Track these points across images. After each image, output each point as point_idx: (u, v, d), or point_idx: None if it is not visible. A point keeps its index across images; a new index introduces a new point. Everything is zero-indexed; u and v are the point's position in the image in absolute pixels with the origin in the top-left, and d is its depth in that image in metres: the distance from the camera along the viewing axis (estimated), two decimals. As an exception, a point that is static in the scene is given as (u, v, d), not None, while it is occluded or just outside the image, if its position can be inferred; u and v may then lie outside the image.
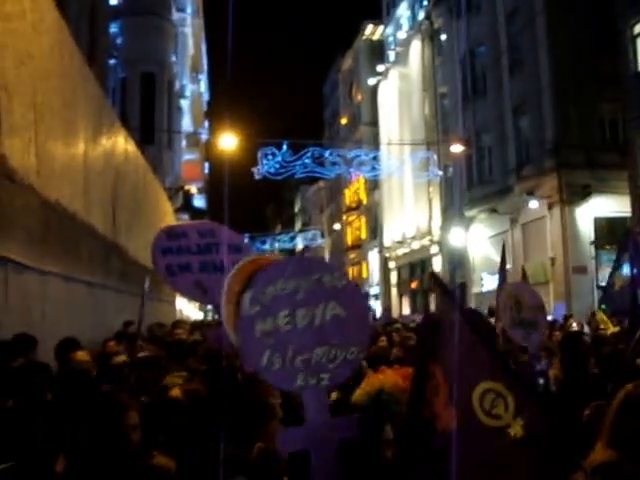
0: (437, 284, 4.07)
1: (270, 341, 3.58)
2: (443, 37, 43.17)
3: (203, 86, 52.45)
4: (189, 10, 39.46)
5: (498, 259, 36.14)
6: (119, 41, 29.54)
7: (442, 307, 3.90)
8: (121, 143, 16.73)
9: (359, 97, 67.58)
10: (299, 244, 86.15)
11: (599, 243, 29.14)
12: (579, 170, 29.24)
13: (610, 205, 28.51)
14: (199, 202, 43.70)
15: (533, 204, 31.01)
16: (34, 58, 8.96)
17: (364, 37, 66.15)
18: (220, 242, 6.16)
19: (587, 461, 3.54)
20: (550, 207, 30.31)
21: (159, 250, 6.06)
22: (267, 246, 79.61)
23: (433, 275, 4.49)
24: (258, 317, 3.58)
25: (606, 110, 29.94)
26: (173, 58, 32.44)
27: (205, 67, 56.09)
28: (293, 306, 3.65)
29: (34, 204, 9.02)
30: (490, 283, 36.29)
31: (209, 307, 77.07)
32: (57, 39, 10.56)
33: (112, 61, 27.80)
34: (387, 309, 53.12)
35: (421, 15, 48.50)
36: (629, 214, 26.18)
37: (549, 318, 19.11)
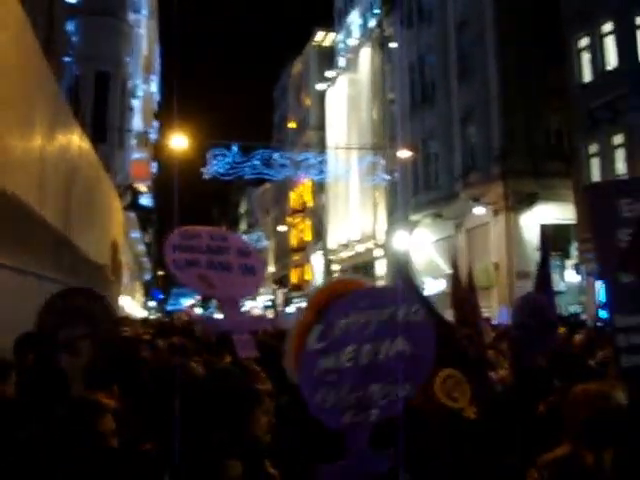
0: (409, 283, 4.29)
1: (329, 378, 3.50)
2: (393, 45, 43.56)
3: (154, 86, 52.24)
4: (144, 12, 39.38)
5: (442, 264, 36.70)
6: (75, 39, 29.41)
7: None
8: (75, 140, 16.70)
9: (308, 102, 67.84)
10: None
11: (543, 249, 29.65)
12: (525, 178, 29.84)
13: (555, 212, 29.13)
14: (146, 201, 43.46)
15: (478, 210, 31.53)
16: (-6, 52, 8.99)
17: (315, 43, 66.47)
18: (230, 246, 6.57)
19: (543, 457, 3.72)
20: (495, 213, 30.86)
21: (170, 246, 6.40)
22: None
23: (400, 266, 4.60)
24: (322, 353, 3.50)
25: (552, 120, 30.57)
26: (127, 58, 32.38)
27: (157, 68, 55.86)
28: (360, 341, 3.56)
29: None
30: (433, 287, 36.80)
31: (152, 305, 76.11)
32: (18, 34, 10.58)
33: (67, 59, 27.66)
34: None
35: (372, 23, 48.90)
36: (573, 221, 26.82)
37: (494, 322, 19.61)
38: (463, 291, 11.04)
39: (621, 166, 25.12)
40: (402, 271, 5.67)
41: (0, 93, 9.38)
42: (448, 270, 35.01)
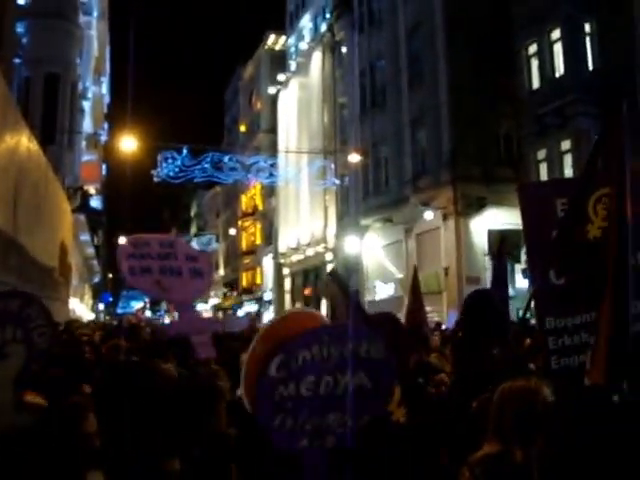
0: (336, 280, 4.37)
1: (287, 405, 3.54)
2: (344, 49, 43.76)
3: (105, 88, 51.89)
4: (95, 13, 39.13)
5: (392, 268, 36.91)
6: (24, 41, 29.13)
7: (340, 302, 4.20)
8: (24, 142, 16.57)
9: (259, 105, 67.81)
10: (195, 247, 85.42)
11: (491, 254, 30.06)
12: (474, 182, 30.10)
13: (504, 217, 29.36)
14: (96, 203, 43.12)
15: (428, 215, 31.73)
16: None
17: (266, 46, 66.47)
18: (178, 252, 6.91)
19: (473, 455, 3.72)
20: (445, 218, 31.09)
21: (124, 255, 6.72)
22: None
23: (332, 272, 4.65)
24: (282, 381, 3.53)
25: (502, 125, 30.93)
26: (77, 60, 32.14)
27: (108, 69, 55.50)
28: (321, 373, 3.61)
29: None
30: (383, 291, 37.07)
31: (100, 308, 75.25)
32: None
33: (17, 60, 27.38)
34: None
35: (323, 27, 49.08)
36: (521, 226, 27.15)
37: (443, 327, 19.86)
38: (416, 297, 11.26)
39: (569, 171, 25.53)
40: (337, 279, 5.77)
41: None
42: (398, 274, 35.39)
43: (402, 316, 11.55)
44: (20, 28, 28.60)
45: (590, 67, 25.88)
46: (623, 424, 3.22)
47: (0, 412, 4.60)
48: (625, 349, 3.97)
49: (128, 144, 29.68)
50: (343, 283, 4.75)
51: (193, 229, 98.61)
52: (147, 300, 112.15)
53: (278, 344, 3.60)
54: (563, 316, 4.89)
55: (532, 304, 5.16)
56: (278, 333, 3.73)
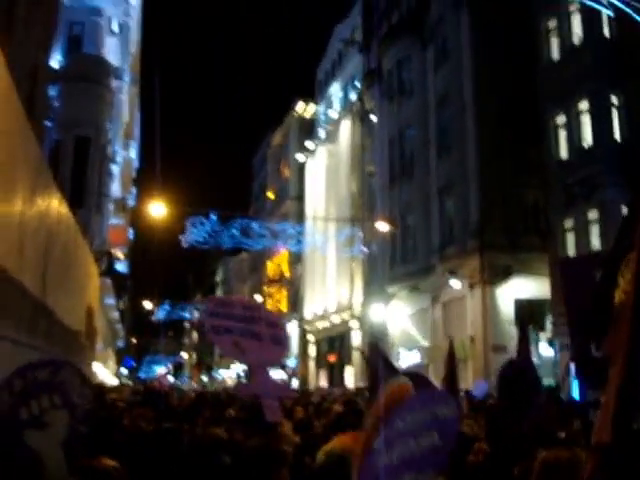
0: (377, 355, 4.28)
1: (382, 474, 3.52)
2: (373, 118, 44.23)
3: (134, 152, 52.56)
4: (126, 78, 39.84)
5: (417, 336, 36.63)
6: (56, 104, 29.64)
7: (384, 374, 4.10)
8: (55, 204, 16.63)
9: (287, 172, 68.34)
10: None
11: (518, 323, 29.75)
12: (501, 252, 30.14)
13: (530, 286, 29.22)
14: (122, 267, 43.34)
15: (455, 283, 31.64)
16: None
17: (295, 114, 67.21)
18: (261, 317, 6.96)
19: None
20: (471, 287, 30.98)
21: (208, 313, 6.84)
22: (187, 314, 79.01)
23: (372, 345, 4.60)
24: (381, 453, 3.54)
25: (529, 195, 31.00)
26: (108, 124, 32.64)
27: (137, 134, 56.27)
28: (407, 437, 3.62)
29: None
30: (408, 359, 36.71)
31: (123, 373, 75.16)
32: (4, 98, 10.67)
33: (48, 123, 27.83)
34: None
35: (353, 96, 49.71)
36: (548, 296, 26.92)
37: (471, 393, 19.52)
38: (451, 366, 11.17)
39: (596, 241, 25.38)
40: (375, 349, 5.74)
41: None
42: (423, 342, 35.11)
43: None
44: (52, 91, 29.12)
45: (617, 138, 25.87)
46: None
47: (54, 478, 4.58)
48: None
49: (155, 209, 29.85)
50: (383, 354, 4.71)
51: (219, 295, 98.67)
52: (169, 365, 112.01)
53: (383, 417, 3.61)
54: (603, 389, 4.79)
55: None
56: (384, 408, 3.74)
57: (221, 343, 6.95)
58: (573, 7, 27.27)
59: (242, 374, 76.87)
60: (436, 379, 11.90)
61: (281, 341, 7.02)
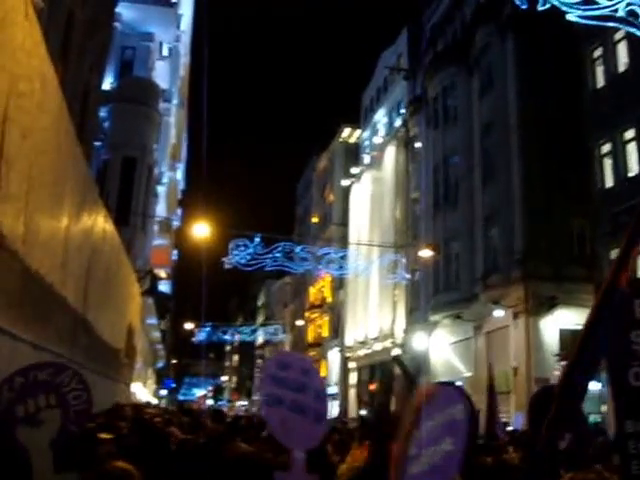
0: (399, 366, 4.29)
1: None
2: (418, 145, 44.24)
3: (180, 174, 53.22)
4: (175, 101, 40.48)
5: (460, 365, 36.27)
6: (106, 124, 30.21)
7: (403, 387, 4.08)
8: (100, 222, 16.88)
9: (331, 197, 68.56)
10: (260, 338, 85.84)
11: (563, 355, 29.32)
12: (546, 281, 29.72)
13: (575, 317, 28.72)
14: (165, 287, 43.75)
15: (498, 313, 31.32)
16: (34, 133, 9.21)
17: (341, 139, 67.52)
18: (310, 385, 6.20)
19: None
20: (515, 317, 30.61)
21: (269, 377, 6.12)
22: (228, 337, 79.31)
23: (396, 358, 4.57)
24: (410, 459, 3.56)
25: (575, 224, 30.65)
26: (155, 145, 33.15)
27: (184, 156, 57.01)
28: (428, 445, 3.57)
29: (16, 270, 9.11)
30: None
31: (162, 394, 75.47)
32: (57, 118, 10.86)
33: (97, 143, 28.35)
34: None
35: (398, 122, 49.81)
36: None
37: (509, 428, 19.29)
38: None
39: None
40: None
41: (36, 173, 9.57)
42: (466, 372, 34.75)
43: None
44: (103, 112, 29.72)
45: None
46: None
47: (40, 475, 4.61)
48: None
49: (199, 230, 30.12)
50: (405, 366, 4.70)
51: (260, 319, 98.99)
52: (210, 388, 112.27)
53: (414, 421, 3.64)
54: None
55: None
56: (414, 410, 3.75)
57: (271, 418, 6.10)
58: (619, 34, 27.03)
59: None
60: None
61: (322, 419, 6.16)
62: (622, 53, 27.11)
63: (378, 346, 48.32)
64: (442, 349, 37.90)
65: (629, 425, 4.75)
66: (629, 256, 4.53)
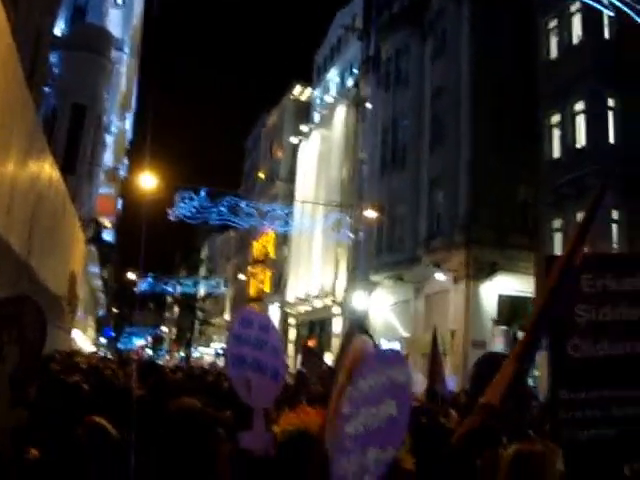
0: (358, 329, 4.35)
1: (348, 445, 3.36)
2: (369, 106, 44.20)
3: (129, 124, 52.48)
4: (127, 50, 39.85)
5: (398, 326, 36.59)
6: (56, 71, 29.68)
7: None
8: (47, 169, 16.72)
9: (279, 154, 68.28)
10: (201, 290, 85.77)
11: (500, 320, 29.83)
12: (487, 247, 30.08)
13: (515, 284, 29.25)
14: (108, 236, 43.34)
15: (439, 276, 31.70)
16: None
17: (292, 97, 67.10)
18: (268, 342, 6.05)
19: None
20: (455, 281, 30.98)
21: (235, 337, 5.89)
22: (169, 288, 79.13)
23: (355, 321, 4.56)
24: (347, 418, 3.40)
25: (520, 192, 31.03)
26: (105, 94, 32.68)
27: (134, 106, 56.19)
28: (368, 405, 3.41)
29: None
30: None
31: (102, 342, 74.87)
32: (5, 62, 10.69)
33: (47, 89, 27.86)
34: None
35: (350, 82, 49.68)
36: (532, 294, 26.94)
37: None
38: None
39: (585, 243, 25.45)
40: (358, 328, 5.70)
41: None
42: (404, 333, 35.22)
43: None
44: (53, 58, 29.18)
45: (611, 141, 25.98)
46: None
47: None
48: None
49: (145, 180, 29.88)
50: (365, 329, 4.75)
51: (202, 271, 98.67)
52: (150, 338, 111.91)
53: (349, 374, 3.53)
54: (577, 389, 4.91)
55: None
56: (351, 361, 3.68)
57: (235, 377, 5.79)
58: (574, 7, 27.31)
59: (221, 352, 77.09)
60: (414, 371, 12.03)
61: (278, 376, 5.96)
62: (577, 25, 27.39)
63: (318, 303, 48.62)
64: (382, 309, 38.25)
65: (563, 393, 4.97)
66: (586, 234, 4.70)
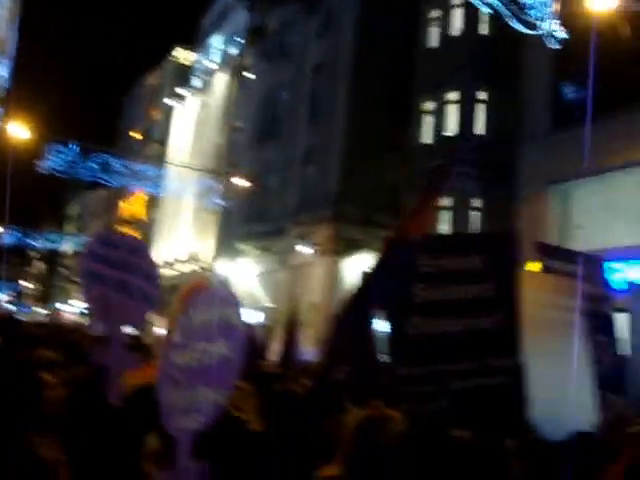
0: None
1: (177, 376, 3.46)
2: (249, 75, 43.99)
3: (5, 70, 50.23)
4: (3, -10, 38.11)
5: (262, 296, 36.66)
6: None
7: None
8: None
9: (156, 115, 67.12)
10: (68, 248, 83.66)
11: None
12: (354, 225, 30.67)
13: (377, 262, 29.81)
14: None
15: (305, 249, 32.08)
16: None
17: (173, 59, 65.82)
18: (140, 265, 5.99)
19: (319, 472, 3.85)
20: (320, 255, 31.52)
21: (87, 252, 5.89)
22: (35, 243, 76.66)
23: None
24: (176, 347, 3.47)
25: (390, 174, 31.64)
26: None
27: (12, 53, 53.79)
28: (198, 340, 3.47)
29: None
30: (251, 318, 36.98)
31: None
32: None
33: None
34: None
35: (233, 50, 49.19)
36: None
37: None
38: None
39: (444, 227, 26.30)
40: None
41: None
42: (268, 303, 35.45)
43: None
44: None
45: (479, 132, 26.91)
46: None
47: None
48: None
49: (17, 130, 28.91)
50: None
51: (70, 228, 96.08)
52: (12, 293, 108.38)
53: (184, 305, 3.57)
54: (415, 366, 5.18)
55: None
56: (187, 293, 3.71)
57: (90, 295, 5.87)
58: (457, 0, 28.03)
59: (85, 312, 75.44)
60: (276, 340, 12.26)
61: (150, 300, 6.04)
62: (457, 19, 28.09)
63: (185, 269, 48.32)
64: (248, 279, 38.36)
65: (402, 369, 5.28)
66: (421, 211, 4.98)
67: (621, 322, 7.55)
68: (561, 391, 5.42)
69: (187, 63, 63.44)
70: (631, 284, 8.84)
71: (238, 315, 3.61)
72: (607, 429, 5.64)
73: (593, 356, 6.41)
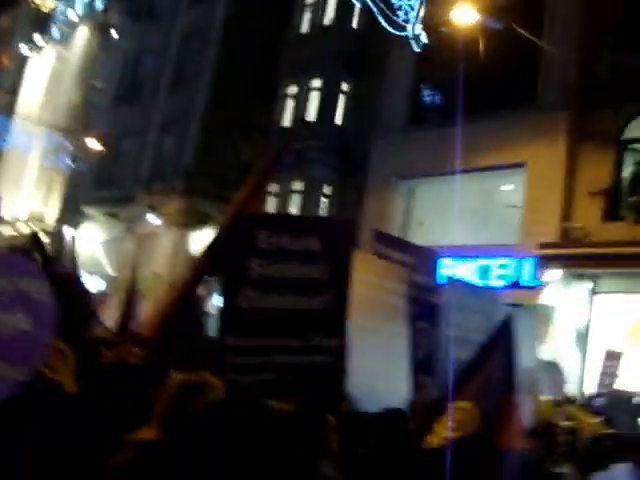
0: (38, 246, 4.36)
1: None
2: (114, 34, 42.79)
3: None
4: None
5: (106, 263, 35.95)
6: None
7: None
8: None
9: (7, 61, 64.06)
10: None
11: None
12: (205, 199, 30.52)
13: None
14: None
15: (153, 219, 31.72)
16: None
17: (32, 3, 62.90)
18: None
19: (134, 436, 3.81)
20: (168, 226, 31.25)
21: None
22: None
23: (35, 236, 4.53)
24: None
25: (246, 152, 31.69)
26: None
27: None
28: None
29: None
30: (92, 285, 36.17)
31: None
32: None
33: None
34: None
35: (99, 4, 47.66)
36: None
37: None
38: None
39: (294, 210, 26.64)
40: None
41: None
42: (110, 271, 34.76)
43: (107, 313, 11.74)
44: None
45: (338, 121, 27.37)
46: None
47: None
48: None
49: None
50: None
51: None
52: None
53: None
54: (244, 337, 5.34)
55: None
56: None
57: None
58: (334, -11, 28.36)
59: None
60: (114, 309, 12.08)
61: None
62: (330, 8, 28.31)
63: (26, 229, 46.63)
64: (92, 244, 37.48)
65: (230, 339, 5.42)
66: (260, 187, 5.12)
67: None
68: (380, 370, 5.72)
69: (47, 10, 60.67)
70: (450, 278, 9.37)
71: (43, 289, 3.41)
72: (415, 407, 6.00)
73: (413, 340, 6.82)
